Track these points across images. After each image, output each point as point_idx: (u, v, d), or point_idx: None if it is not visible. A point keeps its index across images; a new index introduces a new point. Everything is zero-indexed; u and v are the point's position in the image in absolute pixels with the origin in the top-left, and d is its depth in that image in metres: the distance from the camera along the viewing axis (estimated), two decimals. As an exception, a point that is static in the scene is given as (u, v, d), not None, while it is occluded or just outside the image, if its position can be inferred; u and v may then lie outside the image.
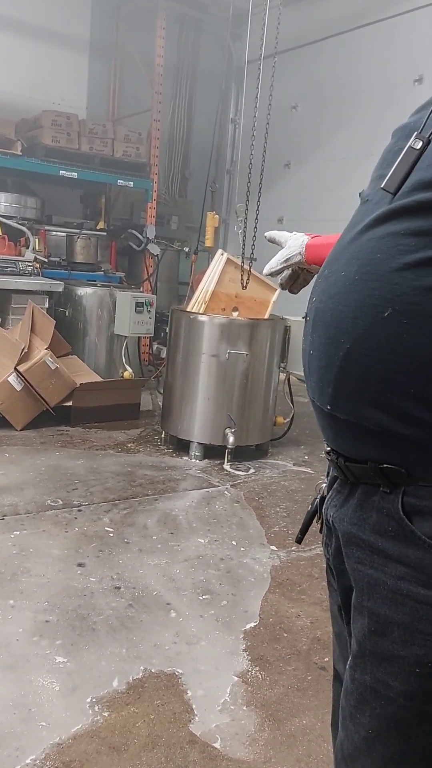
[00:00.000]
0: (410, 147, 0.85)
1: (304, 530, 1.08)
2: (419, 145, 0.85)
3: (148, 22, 6.54)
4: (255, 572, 2.78)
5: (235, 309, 4.34)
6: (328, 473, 1.02)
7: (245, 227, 4.17)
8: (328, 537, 1.00)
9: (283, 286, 1.40)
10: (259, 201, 4.17)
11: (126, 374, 5.26)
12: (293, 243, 1.31)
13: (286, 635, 2.35)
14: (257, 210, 4.10)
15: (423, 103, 0.94)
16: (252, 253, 4.12)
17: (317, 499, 1.04)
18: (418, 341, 0.79)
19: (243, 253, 4.09)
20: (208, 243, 5.73)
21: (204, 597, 2.55)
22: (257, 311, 4.37)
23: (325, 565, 1.05)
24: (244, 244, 4.10)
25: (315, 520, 1.05)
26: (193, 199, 7.67)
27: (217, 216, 5.77)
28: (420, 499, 0.84)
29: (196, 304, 4.34)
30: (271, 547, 3.02)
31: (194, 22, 7.33)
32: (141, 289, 6.28)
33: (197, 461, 4.11)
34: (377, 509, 0.88)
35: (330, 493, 0.98)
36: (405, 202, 0.83)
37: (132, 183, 6.45)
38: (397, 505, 0.85)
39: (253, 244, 4.08)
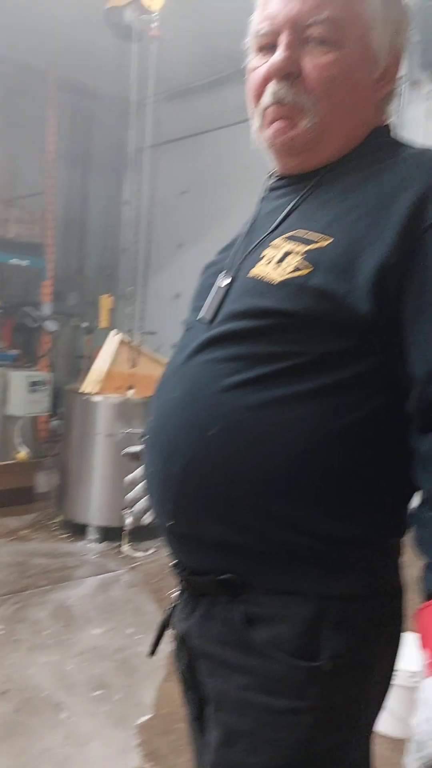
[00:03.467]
0: (218, 285, 0.97)
1: (156, 643, 1.08)
2: (225, 282, 0.97)
3: (40, 110, 6.76)
4: (151, 661, 2.74)
5: (131, 387, 4.41)
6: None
7: (133, 307, 4.31)
8: (178, 651, 1.02)
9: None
10: (146, 281, 4.35)
11: (20, 456, 5.14)
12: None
13: (178, 726, 2.33)
14: (145, 290, 4.26)
15: (227, 244, 1.08)
16: (141, 334, 4.24)
17: (169, 610, 1.06)
18: (243, 456, 0.87)
19: (133, 332, 4.20)
20: (104, 323, 5.84)
21: (97, 692, 2.48)
22: (153, 389, 4.45)
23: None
24: (134, 325, 4.22)
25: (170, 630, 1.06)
26: (90, 275, 7.80)
27: (111, 297, 5.92)
28: (258, 606, 0.89)
29: (90, 384, 4.37)
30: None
31: (86, 112, 7.63)
32: (37, 367, 6.23)
33: (95, 545, 4.03)
34: (220, 620, 0.92)
35: (178, 606, 1.01)
36: (219, 330, 0.93)
37: (27, 262, 6.49)
38: (237, 615, 0.90)
39: (142, 326, 4.23)
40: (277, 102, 0.91)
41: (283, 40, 0.89)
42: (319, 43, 0.88)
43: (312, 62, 0.89)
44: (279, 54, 0.89)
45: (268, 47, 0.92)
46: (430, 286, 0.80)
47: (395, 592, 0.95)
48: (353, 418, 0.87)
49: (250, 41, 0.96)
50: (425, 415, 0.81)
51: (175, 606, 1.04)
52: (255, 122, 0.96)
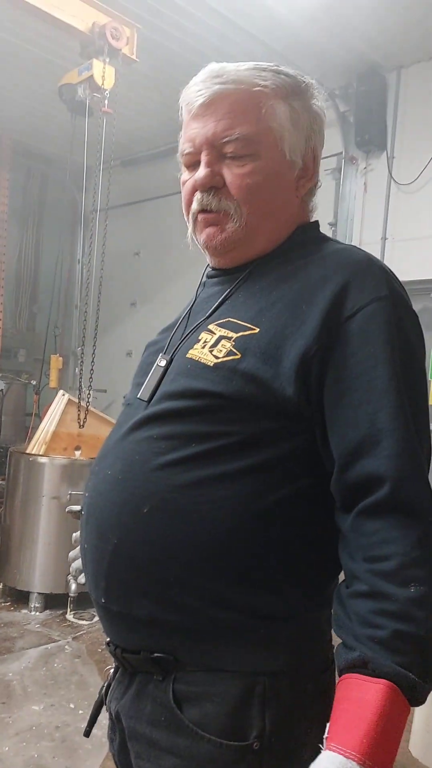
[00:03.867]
0: (157, 365, 1.02)
1: (92, 722, 1.05)
2: (164, 362, 1.02)
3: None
4: (93, 737, 2.61)
5: (78, 448, 4.36)
6: None
7: (81, 368, 4.29)
8: (112, 731, 1.00)
9: None
10: (98, 339, 4.35)
11: (-38, 519, 4.96)
12: None
13: (121, 810, 2.22)
14: (94, 347, 4.25)
15: (168, 325, 1.14)
16: (89, 394, 4.21)
17: (104, 687, 1.04)
18: (175, 533, 0.88)
19: (82, 390, 4.17)
20: (52, 384, 5.82)
21: (34, 776, 2.35)
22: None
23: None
24: (80, 385, 4.19)
25: (105, 709, 1.03)
26: (41, 331, 7.78)
27: (60, 358, 5.92)
28: (188, 684, 0.89)
29: (36, 444, 4.30)
30: (112, 705, 2.88)
31: (40, 174, 7.78)
32: (-17, 427, 6.10)
33: (37, 613, 3.88)
34: (152, 699, 0.91)
35: (113, 684, 1.00)
36: (155, 410, 0.97)
37: (-25, 320, 6.44)
38: (168, 693, 0.89)
39: (91, 384, 4.20)
40: (204, 209, 1.01)
41: (203, 158, 0.99)
42: (235, 158, 0.99)
43: (231, 174, 0.99)
44: (201, 171, 1.00)
45: (193, 164, 1.03)
46: (349, 374, 0.87)
47: (325, 666, 0.96)
48: (282, 495, 0.90)
49: (179, 158, 1.06)
50: (345, 496, 0.86)
51: (109, 684, 1.03)
52: (189, 226, 1.06)
